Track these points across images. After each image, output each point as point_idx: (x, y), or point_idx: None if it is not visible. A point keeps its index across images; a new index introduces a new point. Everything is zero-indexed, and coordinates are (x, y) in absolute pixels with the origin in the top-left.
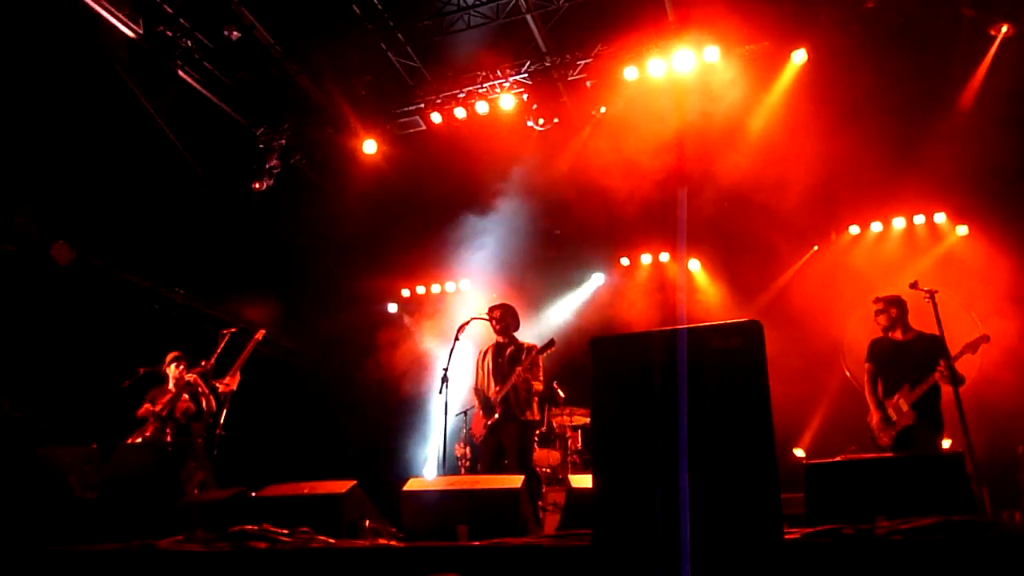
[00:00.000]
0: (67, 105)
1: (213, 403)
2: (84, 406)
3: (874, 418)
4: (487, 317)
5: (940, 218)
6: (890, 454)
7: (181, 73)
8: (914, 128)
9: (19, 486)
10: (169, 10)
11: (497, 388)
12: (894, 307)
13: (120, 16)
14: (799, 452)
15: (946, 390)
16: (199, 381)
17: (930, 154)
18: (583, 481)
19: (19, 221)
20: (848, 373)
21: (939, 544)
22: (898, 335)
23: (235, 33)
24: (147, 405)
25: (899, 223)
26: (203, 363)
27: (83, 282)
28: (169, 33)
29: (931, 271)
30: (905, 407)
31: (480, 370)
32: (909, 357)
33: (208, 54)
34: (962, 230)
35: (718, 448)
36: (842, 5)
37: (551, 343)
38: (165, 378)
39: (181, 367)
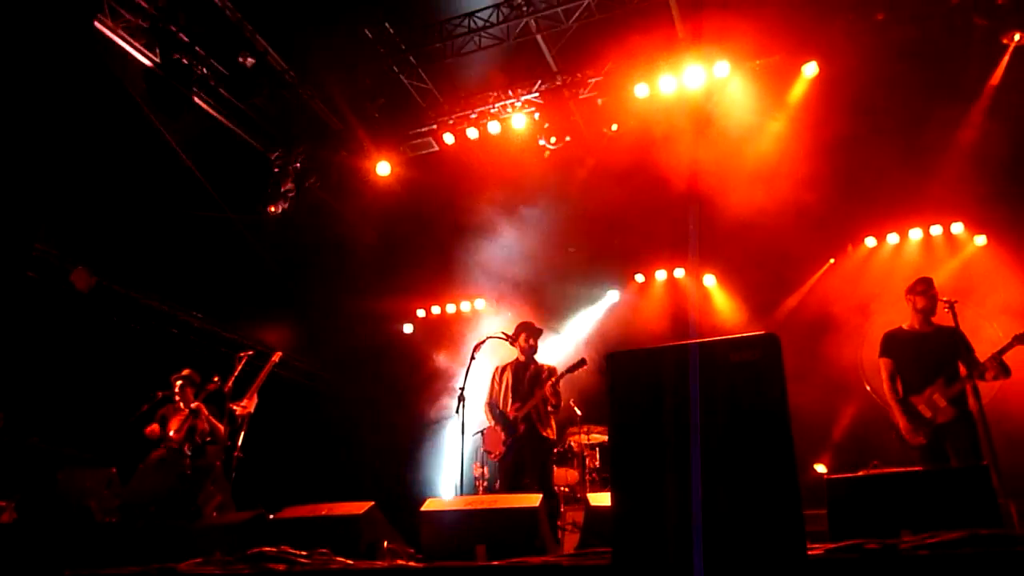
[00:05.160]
0: (86, 133)
1: (221, 429)
2: (103, 430)
3: (900, 418)
4: (506, 337)
5: (958, 228)
6: (916, 467)
7: (197, 100)
8: (929, 138)
9: (40, 511)
10: (185, 39)
11: (516, 405)
12: (934, 292)
13: (137, 45)
14: (820, 468)
15: (982, 386)
16: (204, 411)
17: (946, 164)
18: (602, 499)
19: (39, 248)
20: (868, 387)
21: (967, 558)
22: (921, 326)
23: (249, 60)
24: (155, 425)
25: (916, 234)
26: (215, 379)
27: (102, 307)
28: (185, 61)
29: (950, 282)
30: (943, 402)
31: (497, 386)
32: (934, 351)
33: (223, 80)
34: (980, 240)
35: (738, 463)
36: (853, 17)
37: (582, 362)
38: (175, 401)
39: (188, 389)
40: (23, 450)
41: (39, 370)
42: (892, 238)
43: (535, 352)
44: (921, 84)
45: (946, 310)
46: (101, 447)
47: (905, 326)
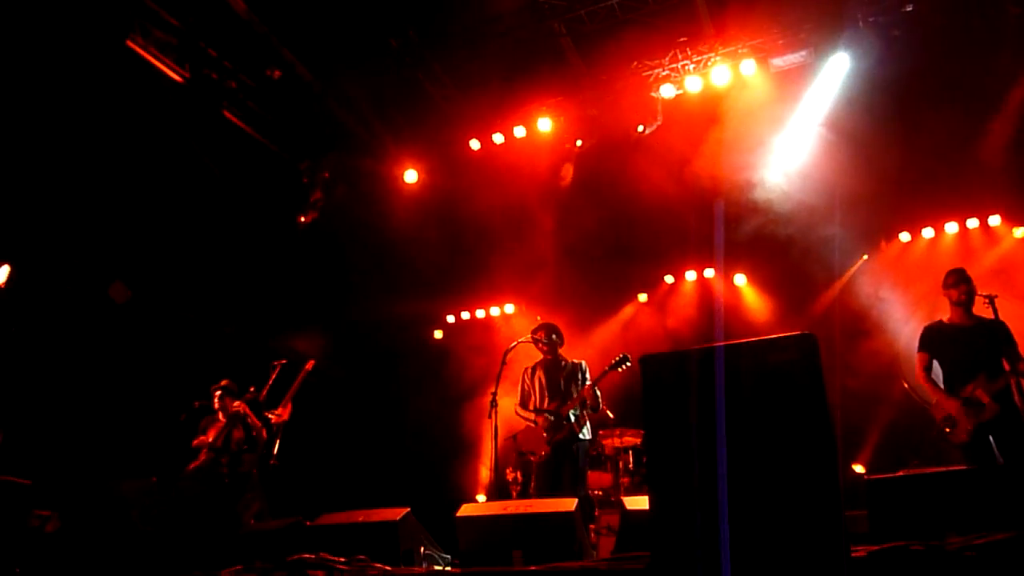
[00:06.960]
0: (119, 149)
1: (264, 432)
2: (143, 440)
3: (951, 404)
4: (532, 339)
5: (995, 220)
6: (959, 466)
7: (226, 113)
8: (963, 130)
9: (84, 521)
10: (213, 53)
11: (555, 405)
12: (969, 283)
13: (168, 61)
14: (859, 468)
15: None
16: (247, 410)
17: (982, 155)
18: (638, 503)
19: (76, 263)
20: (906, 385)
21: (1016, 560)
22: (961, 319)
23: (277, 72)
24: (201, 437)
25: (952, 227)
26: (251, 389)
27: (139, 319)
28: (214, 76)
29: (988, 275)
30: (985, 398)
31: (527, 387)
32: (975, 345)
33: (251, 93)
34: (1019, 232)
35: (779, 466)
36: (881, 10)
37: (624, 359)
38: (214, 411)
39: (227, 399)
40: (67, 461)
41: (79, 382)
42: (927, 232)
43: (559, 348)
44: (953, 76)
45: (985, 304)
46: (141, 457)
47: (945, 319)
